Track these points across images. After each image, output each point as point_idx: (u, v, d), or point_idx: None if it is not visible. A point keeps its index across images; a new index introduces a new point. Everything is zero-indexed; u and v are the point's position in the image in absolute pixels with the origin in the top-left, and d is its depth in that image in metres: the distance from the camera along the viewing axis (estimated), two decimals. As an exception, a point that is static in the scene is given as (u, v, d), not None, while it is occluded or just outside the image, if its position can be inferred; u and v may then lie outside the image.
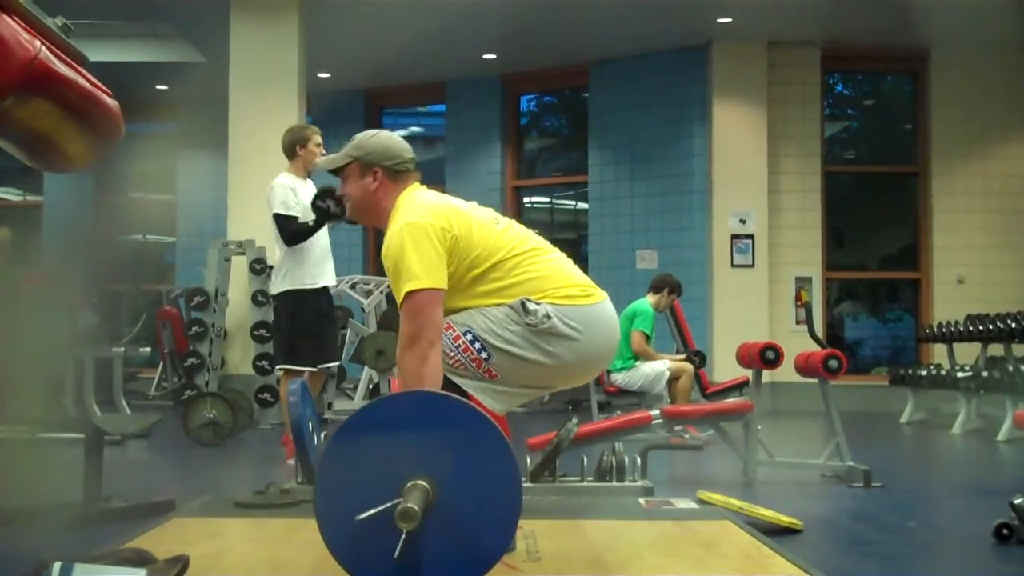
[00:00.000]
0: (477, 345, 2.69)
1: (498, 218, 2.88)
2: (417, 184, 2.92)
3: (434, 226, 2.69)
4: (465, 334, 2.70)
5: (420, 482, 2.20)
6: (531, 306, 2.69)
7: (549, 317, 2.69)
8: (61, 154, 2.67)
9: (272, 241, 5.44)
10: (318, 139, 5.48)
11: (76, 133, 2.57)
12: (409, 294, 2.64)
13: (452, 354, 2.69)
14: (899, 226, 11.69)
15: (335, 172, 2.96)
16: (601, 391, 7.36)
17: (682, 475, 5.38)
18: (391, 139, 2.94)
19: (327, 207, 5.01)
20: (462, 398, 2.40)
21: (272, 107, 8.79)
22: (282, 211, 5.22)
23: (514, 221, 2.94)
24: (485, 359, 2.69)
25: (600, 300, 2.81)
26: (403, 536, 2.15)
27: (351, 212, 2.99)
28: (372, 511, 2.19)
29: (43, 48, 2.30)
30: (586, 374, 2.92)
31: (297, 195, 5.27)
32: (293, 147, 5.46)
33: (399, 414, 2.33)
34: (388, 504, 2.18)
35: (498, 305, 2.72)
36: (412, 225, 2.69)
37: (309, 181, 5.48)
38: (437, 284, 2.66)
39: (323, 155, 5.53)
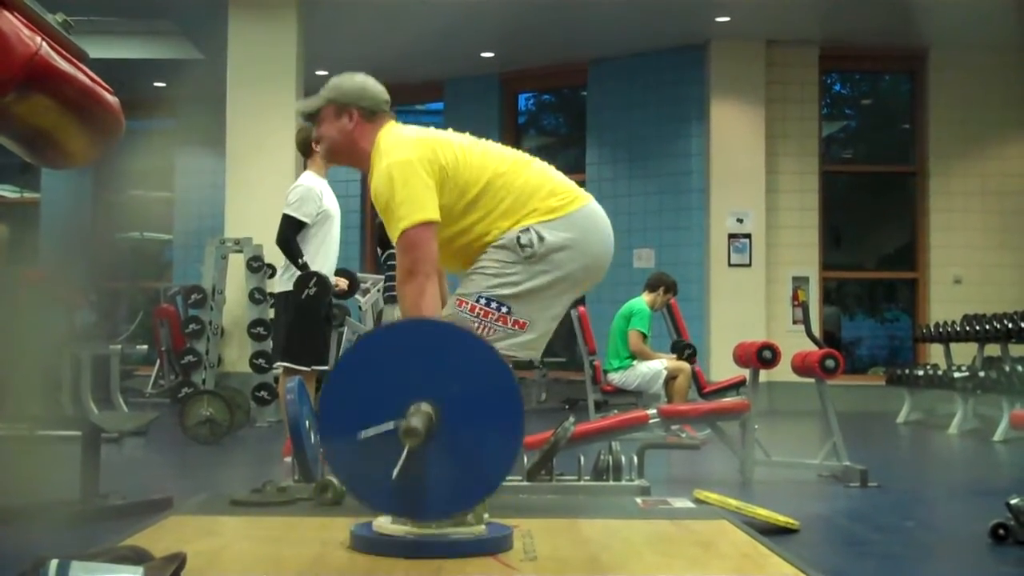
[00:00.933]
0: (494, 305, 2.70)
1: (475, 140, 2.89)
2: (393, 122, 2.92)
3: (421, 159, 2.70)
4: (478, 300, 2.71)
5: (424, 405, 2.23)
6: (524, 238, 2.70)
7: (543, 239, 2.71)
8: (62, 151, 2.67)
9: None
10: None
11: (77, 130, 2.57)
12: (402, 232, 2.65)
13: (476, 325, 2.69)
14: (896, 226, 11.70)
15: (310, 117, 2.96)
16: (598, 390, 7.36)
17: (679, 474, 5.39)
18: (366, 80, 2.96)
19: (307, 292, 5.08)
20: (466, 327, 2.44)
21: (271, 105, 8.78)
22: (295, 215, 5.19)
23: (486, 140, 2.93)
24: (507, 313, 2.70)
25: (585, 203, 2.82)
26: (404, 453, 2.16)
27: (326, 155, 3.01)
28: (376, 428, 2.22)
29: (44, 44, 2.30)
30: (596, 274, 2.90)
31: (322, 202, 5.24)
32: (308, 144, 5.35)
33: (405, 340, 2.38)
34: (392, 423, 2.20)
35: (489, 252, 2.73)
36: (399, 162, 2.70)
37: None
38: (429, 216, 2.67)
39: None
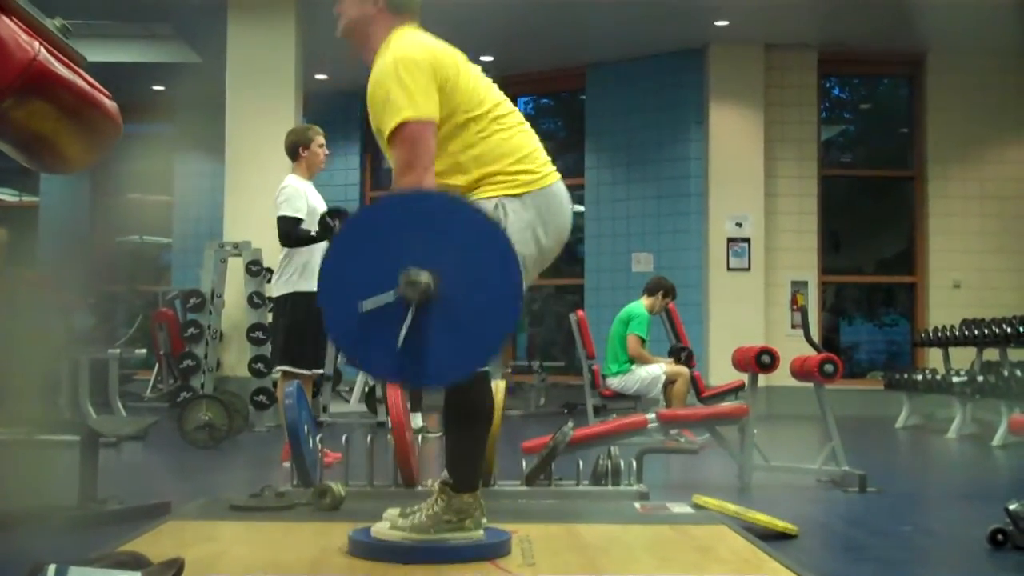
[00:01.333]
0: None
1: (482, 74, 2.85)
2: (415, 26, 2.87)
3: (427, 60, 2.67)
4: None
5: (424, 273, 2.28)
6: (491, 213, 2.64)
7: (507, 215, 2.66)
8: (59, 156, 2.67)
9: (275, 242, 5.42)
10: (321, 140, 5.46)
11: (74, 134, 2.56)
12: (402, 124, 2.59)
13: None
14: (895, 230, 11.71)
15: None
16: (597, 394, 7.36)
17: (678, 479, 5.38)
18: None
19: (334, 227, 5.01)
20: (463, 198, 2.47)
21: (269, 109, 8.79)
22: (289, 213, 5.20)
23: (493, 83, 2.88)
24: None
25: (552, 181, 2.78)
26: (409, 316, 2.21)
27: (342, 31, 2.96)
28: (376, 299, 2.24)
29: (42, 49, 2.30)
30: (551, 255, 2.84)
31: (308, 200, 5.26)
32: (296, 148, 5.43)
33: (403, 211, 2.40)
34: (392, 293, 2.25)
35: None
36: (405, 58, 2.66)
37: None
38: (431, 114, 2.62)
39: (327, 155, 5.56)
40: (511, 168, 2.71)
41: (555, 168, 2.85)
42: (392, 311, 2.26)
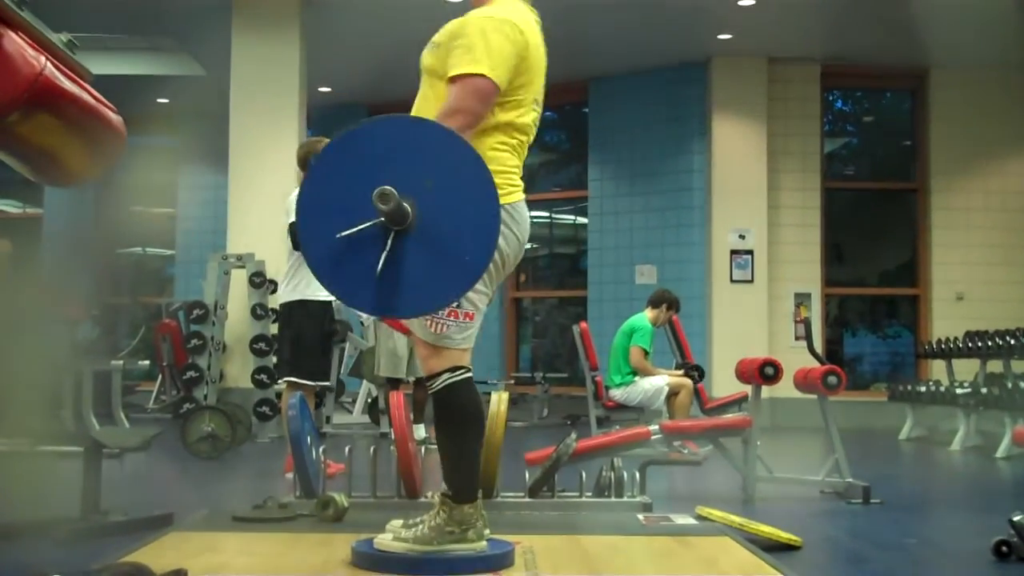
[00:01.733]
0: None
1: (542, 64, 2.84)
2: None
3: (522, 43, 2.67)
4: None
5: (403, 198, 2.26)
6: None
7: None
8: (65, 168, 2.68)
9: (281, 253, 5.43)
10: None
11: (80, 148, 2.58)
12: (477, 75, 2.59)
13: (429, 323, 2.65)
14: (898, 242, 11.71)
15: None
16: (600, 406, 7.36)
17: (681, 491, 5.38)
18: None
19: None
20: (444, 126, 2.44)
21: (273, 121, 8.82)
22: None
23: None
24: (457, 306, 2.65)
25: (521, 197, 2.80)
26: (388, 243, 2.21)
27: None
28: (354, 228, 2.25)
29: (48, 64, 2.31)
30: (511, 267, 2.85)
31: None
32: (307, 160, 5.47)
33: (380, 137, 2.38)
34: (370, 222, 2.23)
35: None
36: (509, 22, 2.67)
37: None
38: (502, 83, 2.63)
39: None
40: (499, 176, 2.71)
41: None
42: (370, 240, 2.23)
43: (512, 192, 2.76)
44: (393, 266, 2.26)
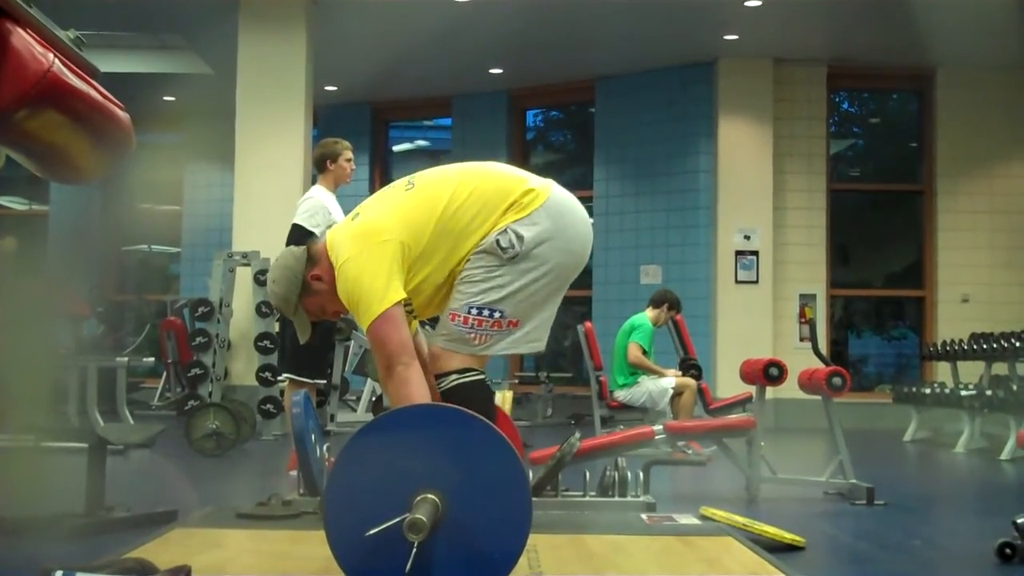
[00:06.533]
0: (486, 312, 2.70)
1: (410, 182, 2.82)
2: (316, 243, 2.96)
3: (378, 246, 2.66)
4: (469, 311, 2.70)
5: (429, 495, 2.20)
6: (503, 241, 2.68)
7: (521, 237, 2.69)
8: (72, 166, 2.68)
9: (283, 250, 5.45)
10: (349, 155, 5.55)
11: (87, 145, 2.58)
12: (370, 327, 2.64)
13: (472, 335, 2.71)
14: (904, 244, 11.70)
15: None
16: (604, 405, 7.36)
17: (685, 491, 5.38)
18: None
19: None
20: (470, 411, 2.38)
21: (279, 120, 8.83)
22: (304, 224, 5.26)
23: (420, 174, 2.86)
24: (500, 316, 2.70)
25: (549, 194, 2.78)
26: (414, 549, 2.15)
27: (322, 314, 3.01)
28: (381, 526, 2.19)
29: (56, 61, 2.31)
30: (583, 257, 2.90)
31: (329, 214, 5.31)
32: (323, 161, 5.51)
33: (406, 428, 2.32)
34: (397, 519, 2.18)
35: (472, 260, 2.70)
36: (348, 261, 2.68)
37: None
38: (389, 301, 2.62)
39: (353, 170, 5.65)
40: (512, 212, 2.72)
41: (552, 180, 2.86)
42: (400, 535, 2.16)
43: (527, 203, 2.74)
44: (422, 562, 2.19)
